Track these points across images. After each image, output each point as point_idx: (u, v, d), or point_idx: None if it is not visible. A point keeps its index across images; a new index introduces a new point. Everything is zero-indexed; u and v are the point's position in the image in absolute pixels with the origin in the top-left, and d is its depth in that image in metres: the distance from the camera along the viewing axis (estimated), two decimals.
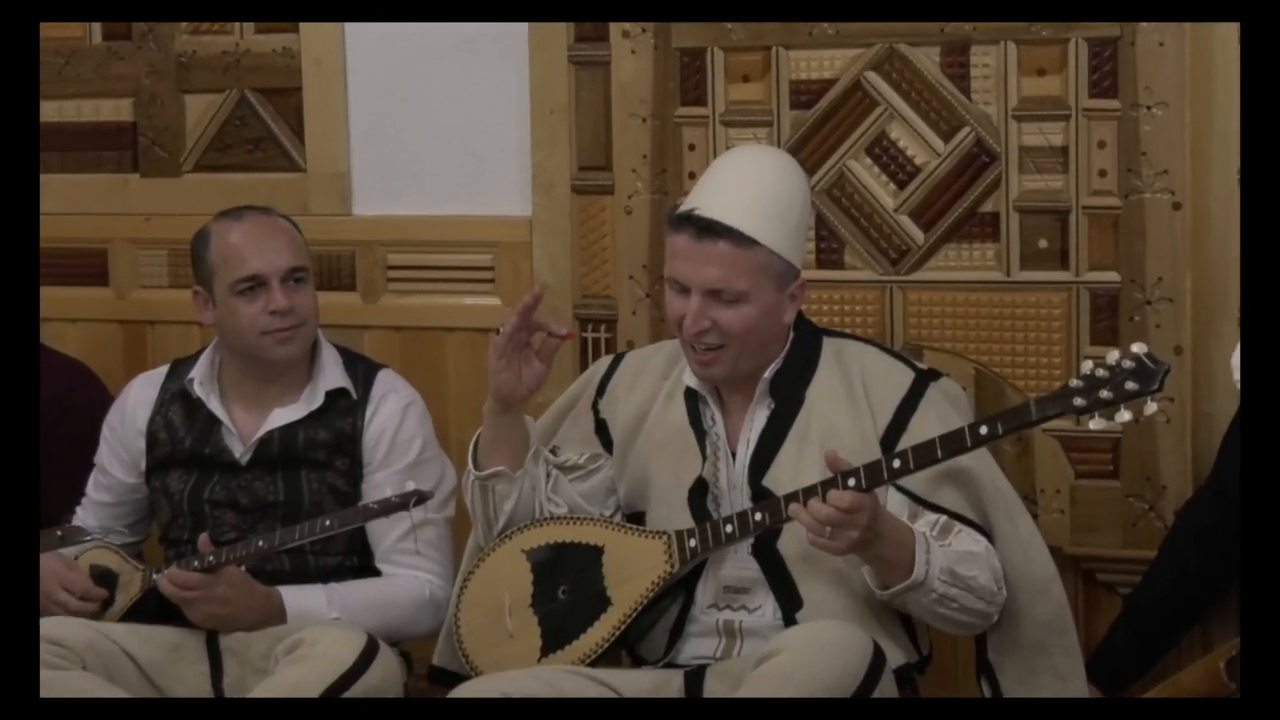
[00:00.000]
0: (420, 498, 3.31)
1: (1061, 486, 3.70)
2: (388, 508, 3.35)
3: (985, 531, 3.22)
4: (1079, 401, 2.89)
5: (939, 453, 3.01)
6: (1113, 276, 3.64)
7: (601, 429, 3.46)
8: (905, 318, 3.76)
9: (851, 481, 3.01)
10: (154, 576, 3.58)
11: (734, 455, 3.30)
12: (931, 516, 3.18)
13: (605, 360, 3.56)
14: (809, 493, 3.04)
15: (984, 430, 2.99)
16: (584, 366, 3.91)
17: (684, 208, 3.21)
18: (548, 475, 3.39)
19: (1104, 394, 2.88)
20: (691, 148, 3.88)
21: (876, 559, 3.06)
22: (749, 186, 3.24)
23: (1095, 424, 2.90)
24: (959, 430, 3.01)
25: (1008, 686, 3.26)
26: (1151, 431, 3.61)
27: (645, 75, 3.88)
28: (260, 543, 3.46)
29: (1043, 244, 3.67)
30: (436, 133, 4.14)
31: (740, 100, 3.84)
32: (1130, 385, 2.86)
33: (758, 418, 3.29)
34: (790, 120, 3.80)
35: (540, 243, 4.02)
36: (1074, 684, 3.24)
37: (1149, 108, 3.57)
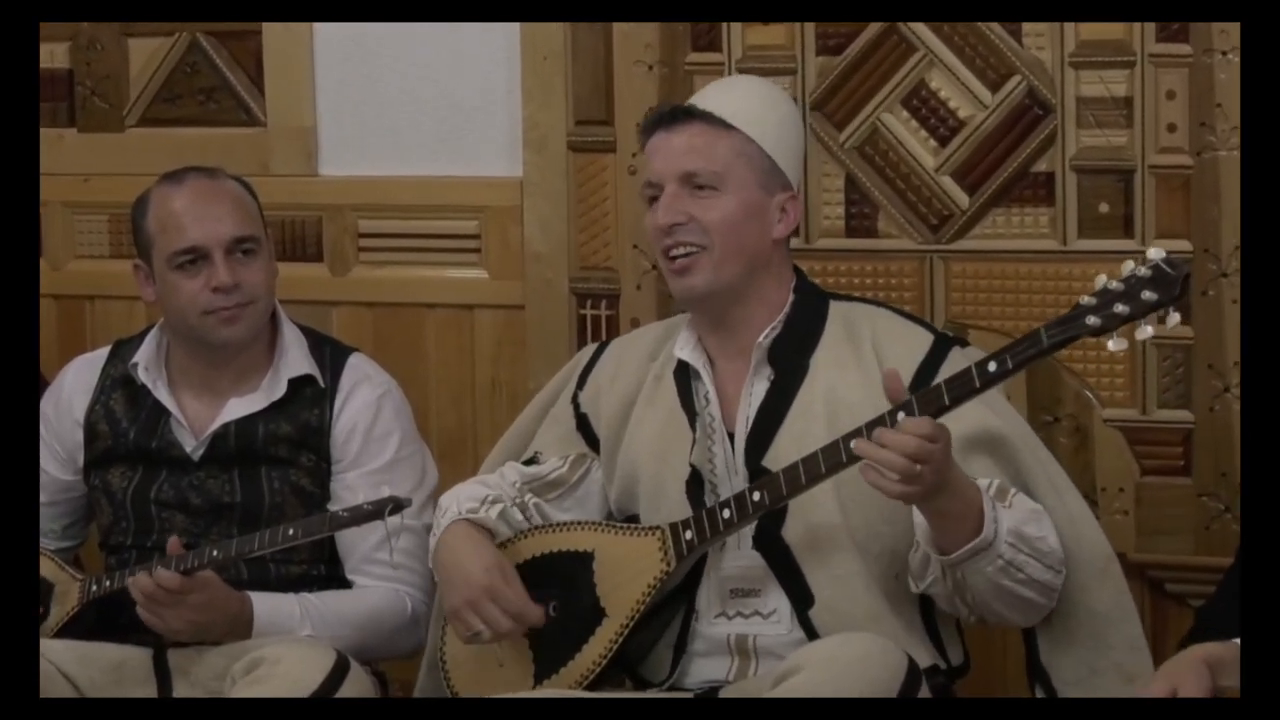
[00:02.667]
0: (397, 505, 3.24)
1: (1125, 484, 3.65)
2: (360, 516, 3.28)
3: None
4: (1092, 320, 2.81)
5: (946, 399, 2.92)
6: (1183, 245, 3.57)
7: (583, 424, 3.43)
8: (948, 292, 3.72)
9: (901, 415, 2.95)
10: (93, 588, 3.53)
11: (731, 437, 3.25)
12: (983, 481, 3.08)
13: (589, 349, 3.53)
14: (809, 463, 3.01)
15: (993, 367, 2.89)
16: (582, 346, 3.84)
17: (658, 110, 3.33)
18: (524, 513, 3.37)
19: (1119, 308, 2.80)
20: None
21: (942, 514, 2.96)
22: (731, 83, 3.46)
23: (1114, 344, 2.83)
24: (965, 371, 2.92)
25: (1065, 692, 3.18)
26: (1227, 421, 3.56)
27: None
28: (215, 552, 3.39)
29: (1104, 208, 3.63)
30: (414, 82, 4.08)
31: (759, 45, 3.79)
32: (1148, 295, 2.79)
33: (756, 390, 3.24)
34: (816, 68, 3.75)
35: (532, 207, 3.96)
36: (1141, 683, 3.10)
37: (1225, 53, 3.52)
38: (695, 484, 3.23)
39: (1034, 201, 3.64)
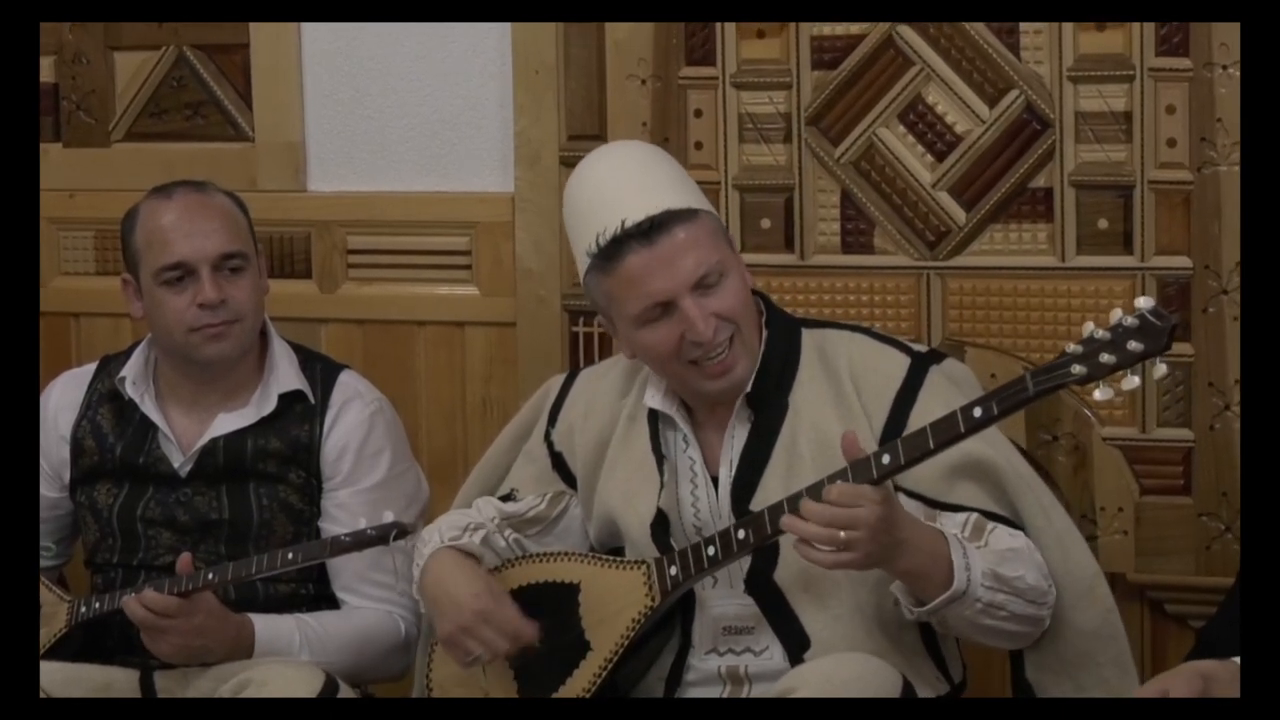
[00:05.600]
0: (401, 531, 3.24)
1: (1125, 504, 3.64)
2: (364, 541, 3.27)
3: (1017, 527, 3.17)
4: (1078, 369, 2.82)
5: (931, 443, 2.92)
6: (1184, 262, 3.58)
7: (559, 464, 3.42)
8: (944, 310, 3.72)
9: (838, 484, 2.93)
10: (81, 609, 3.52)
11: (715, 482, 3.24)
12: (959, 517, 3.11)
13: (556, 381, 3.51)
14: (794, 501, 2.95)
15: (978, 412, 2.89)
16: (575, 363, 3.88)
17: (604, 237, 3.13)
18: (506, 543, 3.37)
19: (1105, 358, 2.81)
20: (698, 114, 3.82)
21: (906, 573, 2.97)
22: (637, 174, 3.22)
23: (1100, 394, 2.85)
24: (950, 415, 2.92)
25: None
26: (1228, 440, 3.55)
27: (645, 30, 3.83)
28: (211, 575, 3.38)
29: (1103, 224, 3.63)
30: (404, 97, 4.09)
31: (754, 59, 3.78)
32: (1134, 345, 2.79)
33: (738, 435, 3.23)
34: (812, 82, 3.74)
35: (524, 223, 3.96)
36: None
37: (1225, 68, 3.51)
38: (661, 528, 3.24)
39: (1032, 217, 3.64)
